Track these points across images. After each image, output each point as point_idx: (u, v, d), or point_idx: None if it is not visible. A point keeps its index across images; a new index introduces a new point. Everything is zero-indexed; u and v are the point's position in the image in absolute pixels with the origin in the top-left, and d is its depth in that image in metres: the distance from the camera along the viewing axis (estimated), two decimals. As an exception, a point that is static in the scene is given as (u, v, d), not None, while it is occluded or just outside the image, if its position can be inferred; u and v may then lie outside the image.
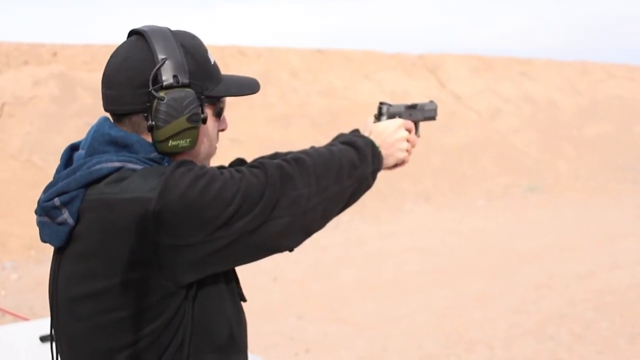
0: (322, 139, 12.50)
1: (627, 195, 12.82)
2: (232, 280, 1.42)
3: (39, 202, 1.33)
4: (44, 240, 1.36)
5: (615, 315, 5.82)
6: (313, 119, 13.67)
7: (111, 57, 1.38)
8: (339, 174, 1.45)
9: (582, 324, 5.61)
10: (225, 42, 16.92)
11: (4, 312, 4.18)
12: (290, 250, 1.42)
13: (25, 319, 3.10)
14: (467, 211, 11.15)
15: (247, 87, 1.47)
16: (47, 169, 9.44)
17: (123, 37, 1.42)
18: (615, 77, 21.29)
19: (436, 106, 1.83)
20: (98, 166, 1.30)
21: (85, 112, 10.83)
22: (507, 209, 11.36)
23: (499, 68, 18.79)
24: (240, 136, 11.97)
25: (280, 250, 1.39)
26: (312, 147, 1.50)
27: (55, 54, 12.04)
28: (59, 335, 1.39)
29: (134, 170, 1.30)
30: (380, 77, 16.01)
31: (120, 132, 1.34)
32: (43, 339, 2.45)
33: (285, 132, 12.94)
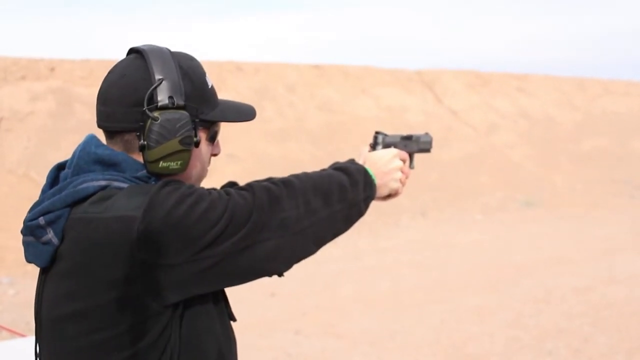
0: (319, 154, 12.53)
1: (624, 209, 12.84)
2: (221, 300, 1.40)
3: (24, 222, 1.32)
4: (28, 260, 1.33)
5: (613, 329, 5.81)
6: (310, 134, 13.68)
7: (108, 73, 1.37)
8: (328, 197, 1.42)
9: (580, 339, 5.60)
10: (222, 57, 16.98)
11: (1, 328, 4.17)
12: (280, 275, 1.39)
13: (22, 335, 3.07)
14: (464, 225, 11.15)
15: (244, 113, 1.46)
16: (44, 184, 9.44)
17: (121, 53, 1.43)
18: (612, 92, 21.38)
19: (431, 138, 1.82)
20: (84, 185, 1.28)
21: (82, 127, 10.84)
22: (504, 223, 11.37)
23: (495, 83, 18.86)
24: (238, 151, 11.98)
25: (269, 274, 1.37)
26: (304, 172, 1.48)
27: (53, 69, 12.07)
28: (43, 355, 1.38)
29: (119, 188, 1.28)
30: (377, 92, 16.06)
31: (107, 150, 1.33)
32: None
33: (283, 147, 12.94)
